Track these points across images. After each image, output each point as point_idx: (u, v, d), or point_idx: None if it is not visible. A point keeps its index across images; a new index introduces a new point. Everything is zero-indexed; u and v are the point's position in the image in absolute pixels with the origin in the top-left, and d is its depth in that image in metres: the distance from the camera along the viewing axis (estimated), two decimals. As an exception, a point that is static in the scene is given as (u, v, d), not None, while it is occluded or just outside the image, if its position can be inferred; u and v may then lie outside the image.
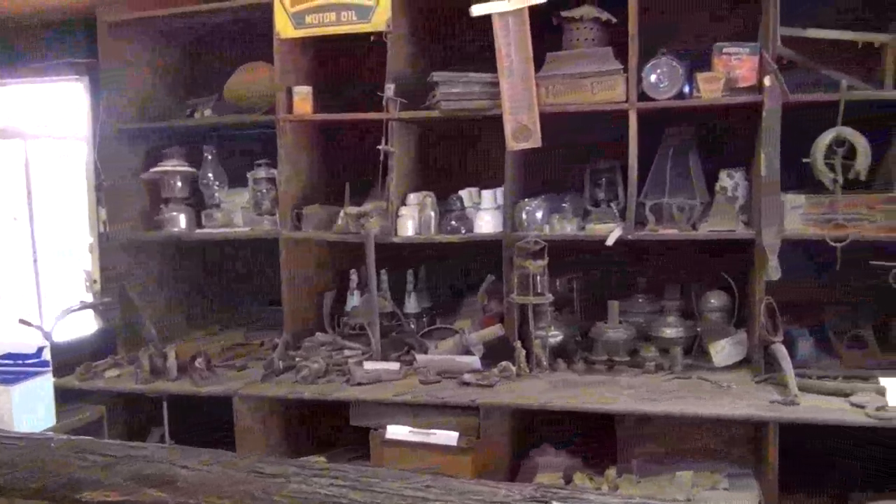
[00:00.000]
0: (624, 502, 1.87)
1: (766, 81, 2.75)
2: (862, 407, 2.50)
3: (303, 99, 3.23)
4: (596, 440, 2.94)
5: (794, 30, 2.83)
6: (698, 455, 2.80)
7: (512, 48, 2.90)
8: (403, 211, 3.16)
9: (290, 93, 3.23)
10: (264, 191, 3.43)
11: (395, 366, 3.03)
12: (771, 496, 2.53)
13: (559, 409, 2.68)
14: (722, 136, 3.21)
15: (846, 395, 2.60)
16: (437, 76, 3.03)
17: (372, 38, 3.08)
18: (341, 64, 3.55)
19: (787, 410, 2.53)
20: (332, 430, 3.19)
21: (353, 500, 1.98)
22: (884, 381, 2.60)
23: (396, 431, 2.77)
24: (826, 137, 2.76)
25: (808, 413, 2.51)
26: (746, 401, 2.63)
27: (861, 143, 2.74)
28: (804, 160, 2.79)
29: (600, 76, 2.91)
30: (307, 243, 3.40)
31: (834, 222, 2.75)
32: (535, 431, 3.02)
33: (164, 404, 3.10)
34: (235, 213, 3.53)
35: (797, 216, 2.82)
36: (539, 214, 3.06)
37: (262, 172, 3.43)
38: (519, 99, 2.93)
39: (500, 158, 3.03)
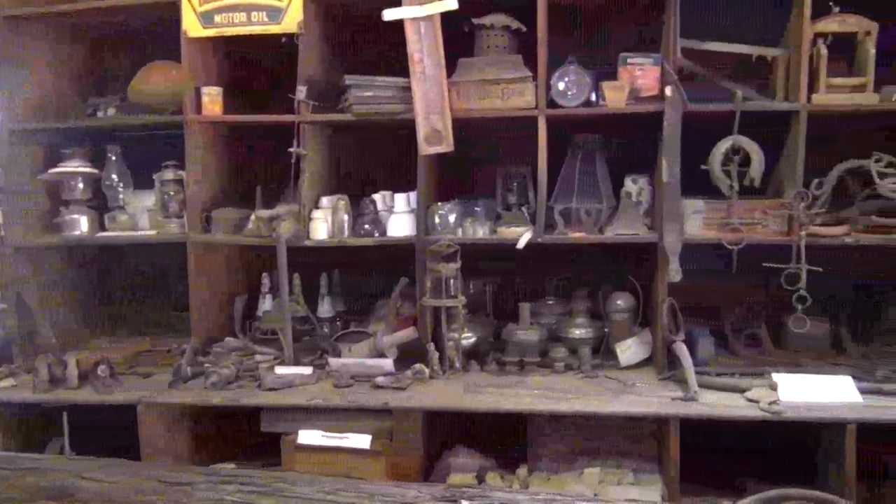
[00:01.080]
0: (530, 499, 1.93)
1: (668, 91, 2.87)
2: (756, 402, 2.63)
3: (212, 100, 3.17)
4: (509, 440, 2.99)
5: (693, 42, 2.96)
6: (606, 452, 2.89)
7: (424, 53, 2.93)
8: (316, 214, 3.14)
9: (198, 93, 3.17)
10: (171, 193, 3.34)
11: (307, 370, 3.00)
12: (673, 489, 2.63)
13: (472, 411, 2.72)
14: (627, 143, 3.33)
15: (742, 390, 2.74)
16: (349, 79, 3.03)
17: (283, 39, 3.05)
18: (255, 65, 3.50)
19: (688, 407, 2.64)
20: (245, 437, 3.13)
21: (261, 507, 1.95)
22: (776, 377, 2.75)
23: (309, 436, 2.75)
24: (723, 146, 2.90)
25: (706, 409, 2.62)
26: (650, 398, 2.73)
27: (755, 151, 2.89)
28: (703, 167, 2.93)
29: (510, 83, 2.97)
30: (217, 247, 3.34)
31: (730, 226, 2.89)
32: (449, 433, 3.05)
33: (65, 414, 2.97)
34: (141, 216, 3.43)
35: (697, 220, 2.95)
36: (452, 218, 3.09)
37: (169, 174, 3.34)
38: (431, 103, 2.96)
39: (413, 162, 3.05)
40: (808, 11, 2.83)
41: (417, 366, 2.97)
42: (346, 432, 2.74)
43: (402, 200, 3.16)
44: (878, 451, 2.63)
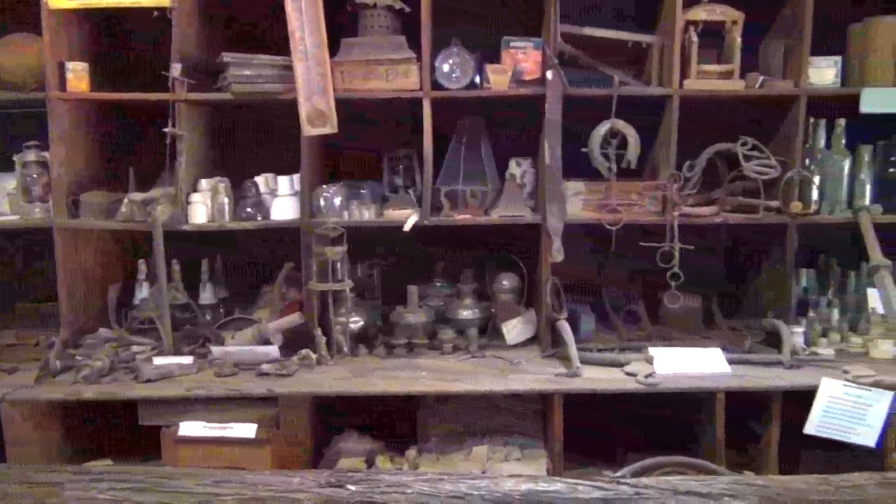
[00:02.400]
0: (415, 479, 1.93)
1: (549, 75, 2.92)
2: (634, 375, 2.75)
3: (78, 76, 2.97)
4: (400, 423, 2.99)
5: (573, 27, 3.03)
6: (494, 430, 2.94)
7: (306, 32, 2.85)
8: (195, 197, 3.02)
9: (62, 69, 2.96)
10: (34, 176, 3.12)
11: (188, 360, 2.89)
12: (557, 462, 2.71)
13: (360, 395, 2.70)
14: (512, 125, 3.37)
15: (621, 365, 2.84)
16: (227, 57, 2.92)
17: (155, 13, 2.90)
18: (127, 41, 3.31)
19: (570, 382, 2.72)
20: (123, 432, 2.98)
21: (137, 503, 1.87)
22: (652, 351, 2.87)
23: (190, 428, 2.65)
24: (601, 129, 2.98)
25: (587, 384, 2.71)
26: (534, 375, 2.80)
27: (632, 134, 2.99)
28: (583, 150, 3.00)
29: (394, 63, 2.94)
30: (87, 233, 3.15)
31: (609, 207, 2.99)
32: (339, 418, 3.02)
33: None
34: (1, 201, 3.19)
35: (577, 202, 3.04)
36: (337, 201, 3.04)
37: (31, 155, 3.12)
38: (314, 83, 2.89)
39: (296, 144, 2.98)
40: (679, 0, 2.94)
41: (304, 351, 2.92)
42: (230, 422, 2.66)
43: (285, 183, 3.08)
44: (745, 417, 2.80)
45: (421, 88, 2.94)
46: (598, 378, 2.75)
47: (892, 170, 3.08)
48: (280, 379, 2.77)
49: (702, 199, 3.08)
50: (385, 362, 3.00)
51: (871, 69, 3.03)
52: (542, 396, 2.81)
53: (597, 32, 3.08)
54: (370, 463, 2.81)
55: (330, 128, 2.93)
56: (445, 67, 2.97)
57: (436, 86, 2.97)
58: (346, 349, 3.03)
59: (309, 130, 2.92)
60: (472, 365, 2.96)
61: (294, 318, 3.02)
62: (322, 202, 3.03)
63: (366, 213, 3.06)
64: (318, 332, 2.97)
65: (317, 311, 3.01)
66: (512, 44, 3.00)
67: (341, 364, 2.97)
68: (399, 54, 2.94)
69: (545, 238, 2.98)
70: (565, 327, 2.94)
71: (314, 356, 2.92)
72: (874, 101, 2.97)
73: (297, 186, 3.06)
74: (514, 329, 3.14)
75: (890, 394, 2.57)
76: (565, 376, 2.75)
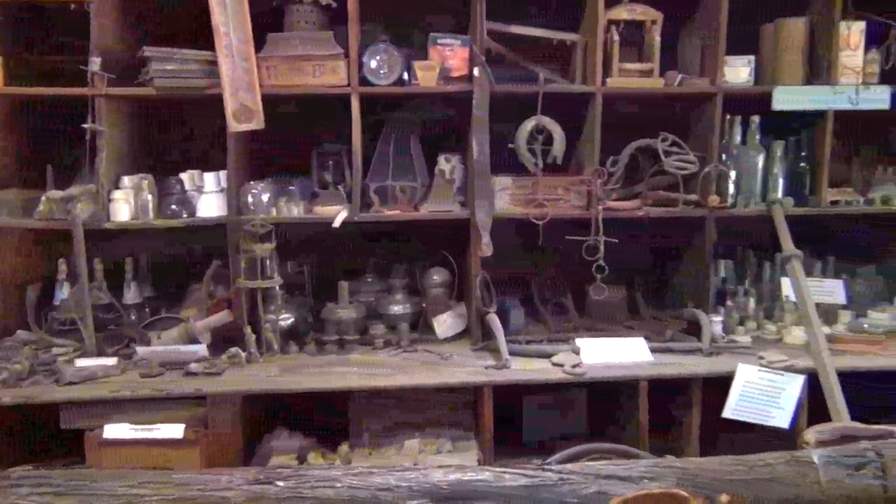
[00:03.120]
0: (344, 473, 1.94)
1: (475, 72, 2.96)
2: (561, 365, 2.81)
3: (-8, 70, 2.87)
4: (333, 419, 2.98)
5: (500, 25, 3.07)
6: (426, 424, 2.96)
7: (231, 27, 2.82)
8: (117, 195, 2.95)
9: (-27, 62, 2.86)
10: (-54, 173, 3.01)
11: (112, 361, 2.82)
12: (488, 453, 2.75)
13: (291, 391, 2.69)
14: (441, 122, 3.40)
15: (549, 356, 2.91)
16: (148, 51, 2.86)
17: (72, 6, 2.81)
18: (46, 34, 3.20)
19: (499, 374, 2.77)
20: (46, 436, 2.90)
21: (58, 508, 1.83)
22: (579, 342, 2.95)
23: (115, 430, 2.59)
24: (527, 125, 3.04)
25: (516, 375, 2.77)
26: (465, 368, 2.84)
27: (557, 130, 3.06)
28: (510, 146, 3.05)
29: (322, 60, 2.93)
30: (3, 231, 3.04)
31: (535, 202, 3.05)
32: (271, 416, 3.00)
33: None
34: (-90, 200, 3.06)
35: (505, 196, 3.09)
36: (265, 197, 3.02)
37: (-58, 152, 3.00)
38: (239, 79, 2.86)
39: (223, 140, 2.94)
40: (601, 0, 3.02)
41: (233, 350, 2.89)
42: (158, 423, 2.61)
43: (211, 179, 3.04)
44: (667, 404, 2.91)
45: (349, 84, 2.94)
46: (526, 369, 2.81)
47: (802, 164, 3.23)
48: (208, 378, 2.74)
49: (626, 193, 3.18)
50: (316, 359, 2.99)
51: (783, 68, 3.17)
52: (473, 389, 2.85)
53: (523, 30, 3.14)
54: (302, 460, 2.80)
55: (256, 124, 2.90)
56: (373, 63, 2.98)
57: (364, 82, 2.97)
58: (276, 347, 3.01)
59: (235, 126, 2.89)
60: (404, 359, 2.98)
61: (223, 317, 2.98)
62: (250, 199, 3.00)
63: (294, 210, 3.05)
64: (248, 329, 2.95)
65: (246, 309, 2.98)
66: (439, 41, 3.03)
67: (272, 362, 2.94)
68: (327, 50, 2.94)
69: (474, 233, 3.02)
70: (495, 320, 2.99)
71: (244, 354, 2.89)
72: (785, 99, 3.11)
73: (223, 183, 3.02)
74: (445, 323, 3.17)
75: (801, 377, 2.70)
76: (495, 368, 2.80)
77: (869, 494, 1.96)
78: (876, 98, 3.13)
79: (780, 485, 1.97)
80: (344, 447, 2.84)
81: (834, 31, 3.10)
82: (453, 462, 2.68)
